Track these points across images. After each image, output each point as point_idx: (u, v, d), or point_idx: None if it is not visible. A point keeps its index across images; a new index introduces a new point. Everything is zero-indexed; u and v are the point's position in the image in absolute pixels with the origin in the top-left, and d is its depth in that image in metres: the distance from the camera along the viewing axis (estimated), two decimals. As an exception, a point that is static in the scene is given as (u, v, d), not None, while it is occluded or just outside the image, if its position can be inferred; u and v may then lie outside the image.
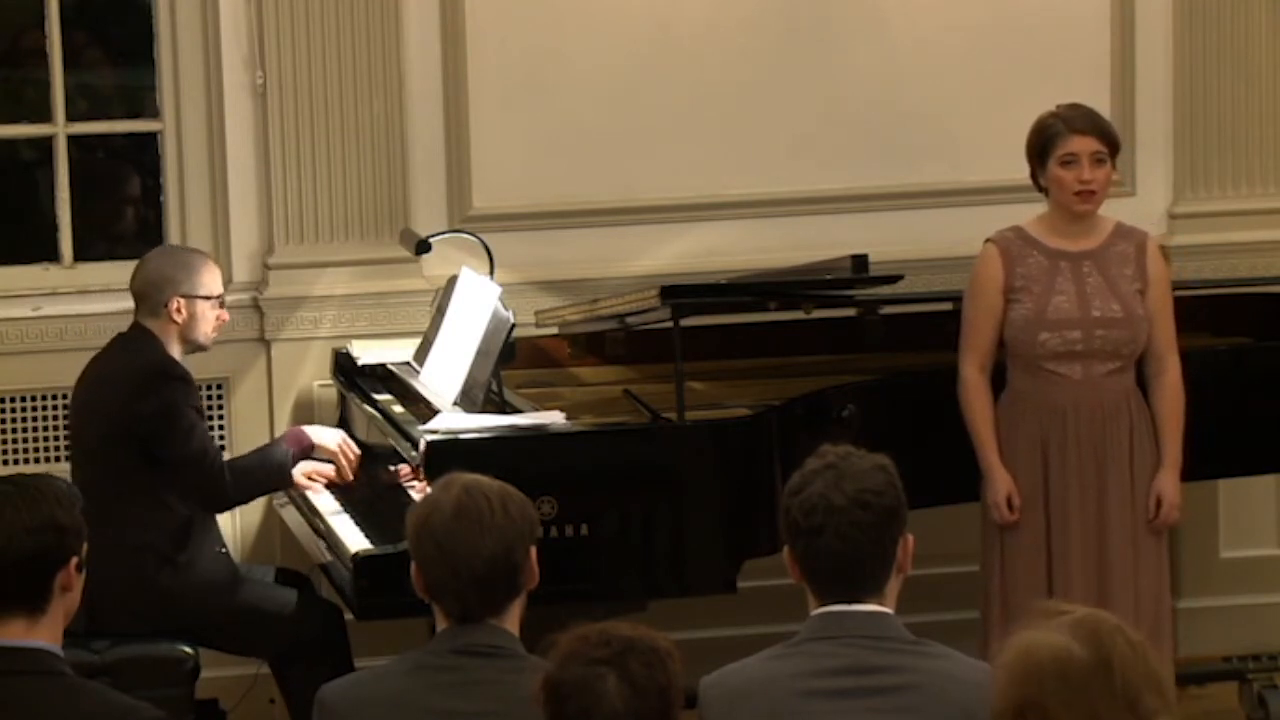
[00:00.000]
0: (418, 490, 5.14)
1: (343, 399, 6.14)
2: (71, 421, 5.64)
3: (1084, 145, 5.34)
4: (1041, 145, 5.38)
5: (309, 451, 5.65)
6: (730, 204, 6.53)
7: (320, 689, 3.56)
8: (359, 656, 5.44)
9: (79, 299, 6.34)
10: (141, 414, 5.35)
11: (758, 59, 6.51)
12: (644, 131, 6.49)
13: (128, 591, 5.32)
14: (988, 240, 5.46)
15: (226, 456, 5.85)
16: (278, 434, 6.24)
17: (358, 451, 5.70)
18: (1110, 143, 5.37)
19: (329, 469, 5.66)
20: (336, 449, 5.66)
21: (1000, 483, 5.36)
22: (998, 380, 5.44)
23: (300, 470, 5.62)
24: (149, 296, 5.49)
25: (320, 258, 6.30)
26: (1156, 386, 5.42)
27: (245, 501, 5.63)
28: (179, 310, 5.47)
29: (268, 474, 5.55)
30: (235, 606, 5.44)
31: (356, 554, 5.12)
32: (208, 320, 5.53)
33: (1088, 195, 5.35)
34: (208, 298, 5.52)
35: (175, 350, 5.50)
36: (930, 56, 6.58)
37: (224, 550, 5.57)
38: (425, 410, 5.44)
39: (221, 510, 5.53)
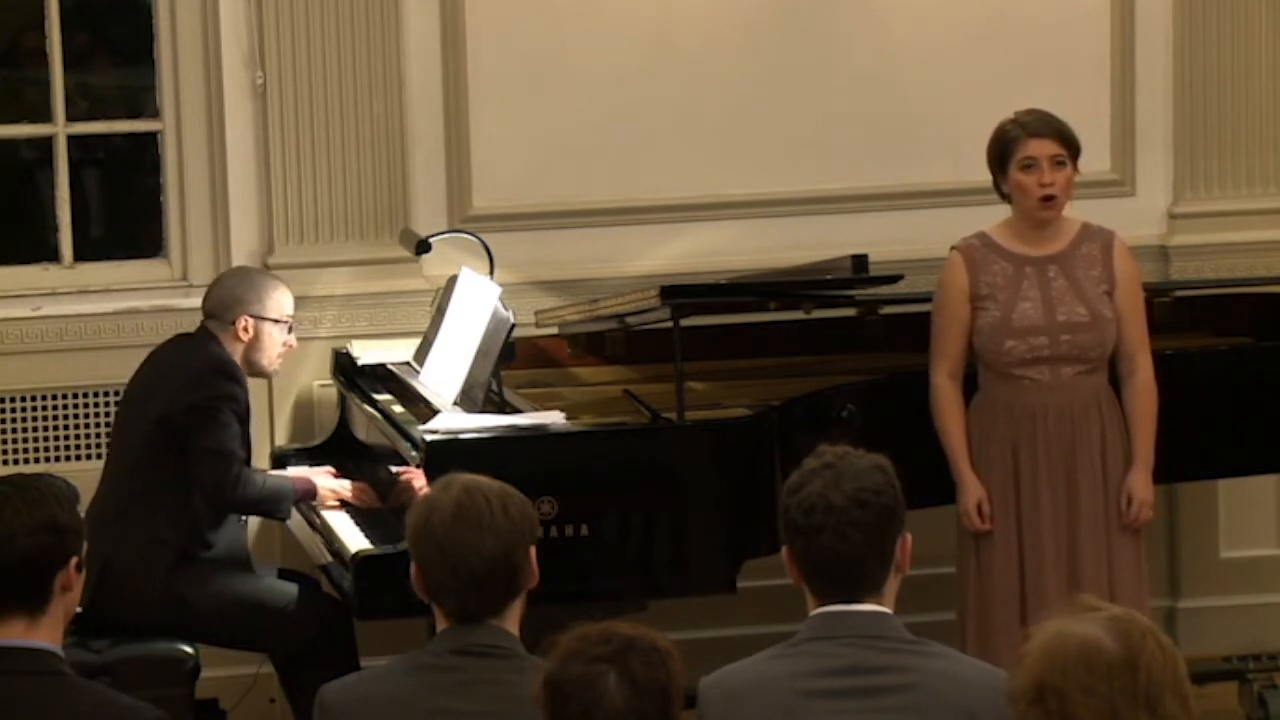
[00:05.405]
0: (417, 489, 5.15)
1: (343, 399, 6.14)
2: (120, 410, 5.67)
3: (1042, 148, 5.32)
4: (1001, 151, 5.38)
5: (312, 497, 5.66)
6: (730, 204, 6.53)
7: (320, 689, 3.56)
8: (359, 656, 5.44)
9: (79, 299, 6.34)
10: (188, 403, 5.40)
11: (757, 59, 6.51)
12: (644, 131, 6.49)
13: (136, 580, 5.35)
14: (953, 248, 5.46)
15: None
16: (278, 434, 6.26)
17: (353, 487, 5.70)
18: (1069, 145, 5.35)
19: (345, 490, 5.69)
20: (335, 491, 5.68)
21: (971, 490, 5.36)
22: (971, 384, 5.45)
23: (322, 490, 5.66)
24: (218, 315, 5.58)
25: (320, 258, 6.30)
26: (1128, 386, 5.40)
27: (240, 510, 5.61)
28: (246, 329, 5.55)
29: (271, 497, 5.52)
30: (241, 600, 5.44)
31: (356, 554, 5.13)
32: (274, 343, 5.60)
33: (1049, 201, 5.33)
34: (276, 320, 5.58)
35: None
36: (930, 57, 6.58)
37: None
38: (425, 410, 5.44)
39: (220, 508, 5.50)
